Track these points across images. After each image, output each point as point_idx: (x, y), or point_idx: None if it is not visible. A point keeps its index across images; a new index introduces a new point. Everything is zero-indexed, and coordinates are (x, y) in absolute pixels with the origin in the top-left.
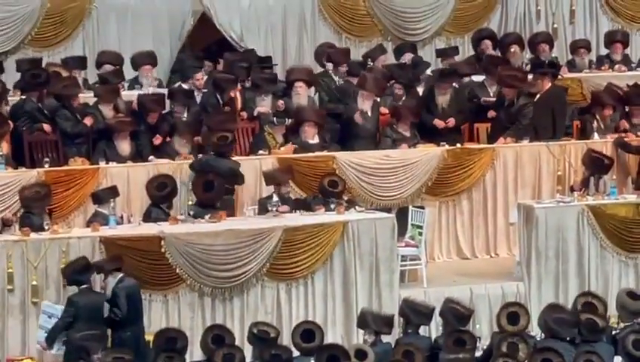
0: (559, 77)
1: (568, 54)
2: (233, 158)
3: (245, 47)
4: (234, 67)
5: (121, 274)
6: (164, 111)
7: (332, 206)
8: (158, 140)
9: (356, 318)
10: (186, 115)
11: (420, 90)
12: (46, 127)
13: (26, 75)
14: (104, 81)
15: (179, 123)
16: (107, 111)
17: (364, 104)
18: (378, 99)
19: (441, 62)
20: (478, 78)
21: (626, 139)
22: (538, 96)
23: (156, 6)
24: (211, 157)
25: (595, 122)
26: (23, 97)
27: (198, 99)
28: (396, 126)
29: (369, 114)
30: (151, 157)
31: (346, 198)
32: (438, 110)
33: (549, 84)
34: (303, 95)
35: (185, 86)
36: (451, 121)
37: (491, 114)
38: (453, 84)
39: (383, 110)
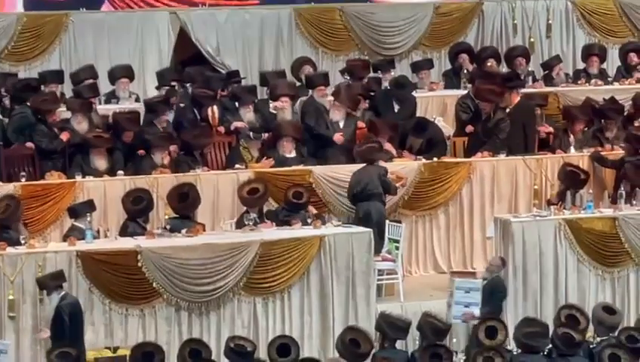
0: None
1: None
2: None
3: (222, 61)
4: (211, 81)
5: (64, 291)
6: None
7: (308, 220)
8: (142, 153)
9: (332, 332)
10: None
11: None
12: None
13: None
14: (78, 95)
15: (154, 138)
16: (78, 125)
17: (335, 115)
18: (355, 113)
19: (417, 77)
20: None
21: (602, 153)
22: (508, 110)
23: (133, 20)
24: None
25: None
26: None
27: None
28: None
29: (340, 125)
30: (120, 172)
31: (314, 213)
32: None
33: (518, 98)
34: (288, 110)
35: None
36: None
37: (469, 129)
38: None
39: (360, 124)
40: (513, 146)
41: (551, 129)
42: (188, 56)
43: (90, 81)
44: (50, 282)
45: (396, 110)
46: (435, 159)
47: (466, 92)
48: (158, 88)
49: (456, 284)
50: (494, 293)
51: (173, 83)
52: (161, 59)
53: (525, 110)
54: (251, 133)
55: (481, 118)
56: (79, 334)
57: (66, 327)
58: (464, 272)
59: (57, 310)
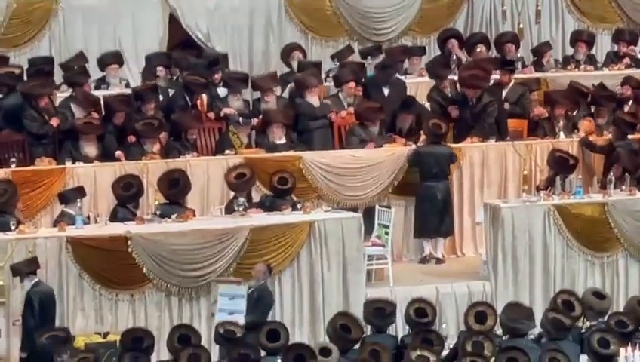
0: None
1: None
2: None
3: (212, 47)
4: (199, 67)
5: (37, 279)
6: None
7: (298, 205)
8: (132, 139)
9: (323, 318)
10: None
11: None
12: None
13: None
14: (71, 84)
15: (144, 128)
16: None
17: (312, 98)
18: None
19: (408, 62)
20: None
21: (590, 139)
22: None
23: (123, 6)
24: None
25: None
26: None
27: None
28: (367, 124)
29: (315, 105)
30: (118, 152)
31: (295, 199)
32: None
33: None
34: (272, 102)
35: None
36: None
37: (454, 113)
38: None
39: (346, 111)
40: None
41: (545, 112)
42: (178, 42)
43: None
44: (24, 268)
45: (386, 94)
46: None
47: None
48: (143, 74)
49: (220, 291)
50: (260, 301)
51: (159, 68)
52: (151, 45)
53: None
54: (240, 119)
55: (466, 103)
56: (48, 322)
57: (36, 314)
58: (228, 280)
59: (27, 296)
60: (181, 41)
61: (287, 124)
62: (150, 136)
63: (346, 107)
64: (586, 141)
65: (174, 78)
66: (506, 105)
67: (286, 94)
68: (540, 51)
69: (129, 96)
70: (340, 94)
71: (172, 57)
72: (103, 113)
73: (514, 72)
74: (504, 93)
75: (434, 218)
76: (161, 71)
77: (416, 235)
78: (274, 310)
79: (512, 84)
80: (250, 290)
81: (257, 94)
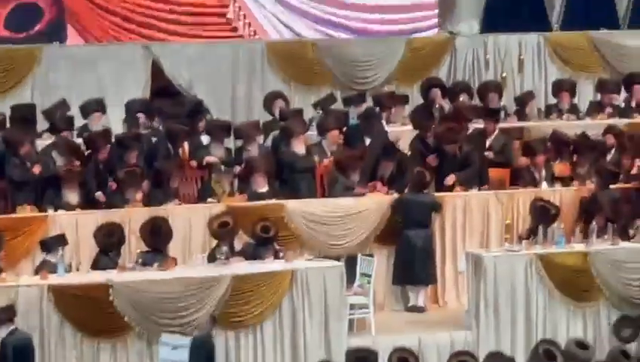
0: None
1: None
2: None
3: (194, 95)
4: (181, 115)
5: (14, 326)
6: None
7: (281, 254)
8: (113, 186)
9: None
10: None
11: None
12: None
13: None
14: (53, 129)
15: (126, 177)
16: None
17: (297, 147)
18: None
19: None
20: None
21: (575, 189)
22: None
23: (106, 54)
24: None
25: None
26: None
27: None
28: (347, 173)
29: (300, 153)
30: (98, 193)
31: (278, 247)
32: None
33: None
34: (255, 150)
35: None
36: None
37: (434, 163)
38: None
39: (329, 159)
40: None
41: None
42: (159, 89)
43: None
44: (0, 315)
45: (367, 143)
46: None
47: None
48: (127, 122)
49: (162, 340)
50: (202, 351)
51: (139, 115)
52: (134, 93)
53: (473, 142)
54: (223, 167)
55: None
56: None
57: None
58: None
59: (2, 344)
60: (163, 89)
61: (270, 173)
62: (132, 185)
63: (329, 155)
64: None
65: (157, 125)
66: (490, 155)
67: (269, 142)
68: (523, 100)
69: (109, 131)
70: (323, 142)
71: (154, 105)
72: (86, 153)
73: (499, 121)
74: (488, 142)
75: (415, 266)
76: (141, 118)
77: (394, 282)
78: (255, 358)
79: (496, 133)
80: (194, 340)
81: (240, 142)
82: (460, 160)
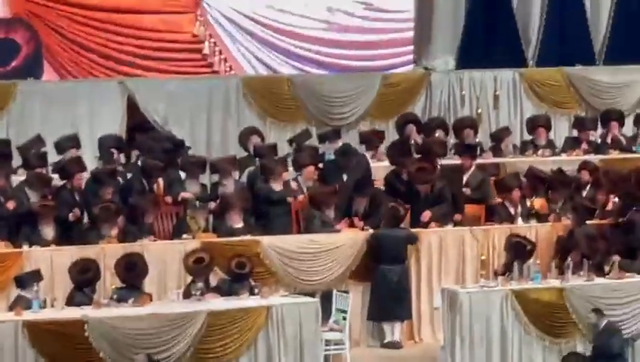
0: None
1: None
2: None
3: (169, 131)
4: (156, 151)
5: None
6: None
7: (256, 290)
8: (75, 217)
9: None
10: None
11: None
12: None
13: None
14: (28, 166)
15: (101, 213)
16: (35, 197)
17: (275, 184)
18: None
19: (365, 149)
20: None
21: (550, 225)
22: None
23: (81, 89)
24: None
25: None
26: None
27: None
28: (321, 210)
29: (277, 189)
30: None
31: (253, 283)
32: None
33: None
34: (230, 185)
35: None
36: None
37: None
38: None
39: (301, 197)
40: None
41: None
42: (135, 125)
43: (40, 150)
44: None
45: (345, 179)
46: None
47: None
48: (102, 157)
49: None
50: None
51: (112, 150)
52: (109, 128)
53: (448, 178)
54: (197, 203)
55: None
56: None
57: None
58: None
59: None
60: (139, 124)
61: (246, 209)
62: (107, 221)
63: (305, 191)
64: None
65: (132, 160)
66: (467, 191)
67: (244, 178)
68: (498, 136)
69: (80, 157)
70: (298, 178)
71: (133, 140)
72: (61, 183)
73: (475, 157)
74: (465, 178)
75: (390, 301)
76: (115, 154)
77: (369, 318)
78: None
79: (472, 169)
80: None
81: (216, 177)
82: (433, 197)
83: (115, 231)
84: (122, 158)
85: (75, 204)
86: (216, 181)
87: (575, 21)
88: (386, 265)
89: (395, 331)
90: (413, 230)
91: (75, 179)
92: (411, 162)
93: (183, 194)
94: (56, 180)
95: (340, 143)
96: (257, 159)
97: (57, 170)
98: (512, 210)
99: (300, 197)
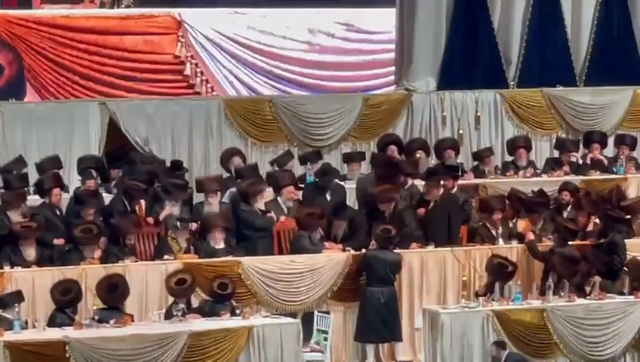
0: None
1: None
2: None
3: (150, 152)
4: (140, 174)
5: None
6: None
7: (237, 311)
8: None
9: None
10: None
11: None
12: None
13: None
14: (9, 187)
15: (83, 236)
16: (15, 216)
17: (259, 203)
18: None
19: (347, 168)
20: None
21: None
22: (432, 203)
23: (62, 110)
24: None
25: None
26: None
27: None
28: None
29: (259, 212)
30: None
31: (234, 304)
32: None
33: (442, 191)
34: (215, 204)
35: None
36: None
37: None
38: None
39: (282, 218)
40: (437, 237)
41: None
42: (117, 146)
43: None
44: None
45: (328, 199)
46: (364, 250)
47: None
48: (83, 178)
49: None
50: None
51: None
52: (91, 149)
53: (449, 202)
54: (178, 223)
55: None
56: None
57: None
58: None
59: None
60: (121, 146)
61: (228, 228)
62: (89, 243)
63: (285, 211)
64: (531, 246)
65: (113, 181)
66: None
67: (226, 199)
68: (481, 156)
69: (58, 174)
70: (278, 199)
71: (116, 160)
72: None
73: (458, 178)
74: None
75: (377, 323)
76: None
77: (357, 339)
78: None
79: (454, 190)
80: None
81: (198, 197)
82: (394, 217)
83: (97, 253)
84: (99, 180)
85: (56, 222)
86: (198, 201)
87: (556, 42)
88: (373, 287)
89: (379, 352)
90: (395, 251)
91: (52, 195)
92: (374, 187)
93: (164, 212)
94: (37, 200)
95: (319, 164)
96: (239, 181)
97: (35, 186)
98: (493, 232)
99: (282, 218)
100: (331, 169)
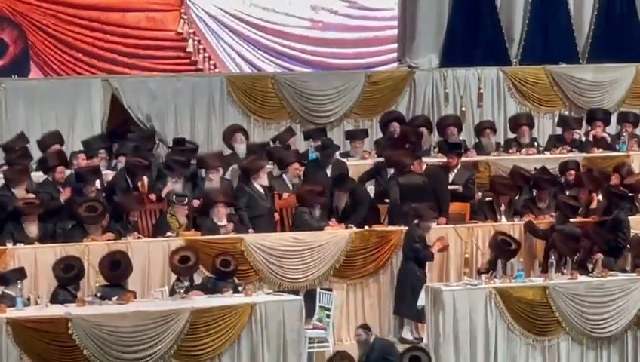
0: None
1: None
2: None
3: (152, 128)
4: (143, 151)
5: None
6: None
7: (240, 288)
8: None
9: None
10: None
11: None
12: None
13: None
14: (12, 164)
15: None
16: (19, 192)
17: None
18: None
19: (350, 145)
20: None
21: (535, 222)
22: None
23: (65, 87)
24: None
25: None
26: None
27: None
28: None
29: (261, 193)
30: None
31: (237, 281)
32: None
33: (424, 166)
34: (215, 180)
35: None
36: None
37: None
38: None
39: (286, 195)
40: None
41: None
42: (119, 122)
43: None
44: None
45: (329, 174)
46: (367, 227)
47: None
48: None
49: None
50: None
51: (100, 151)
52: (93, 126)
53: (433, 176)
54: (174, 197)
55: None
56: None
57: None
58: None
59: None
60: (124, 121)
61: (229, 203)
62: (93, 223)
63: (291, 188)
64: (530, 225)
65: (115, 159)
66: (459, 188)
67: (228, 175)
68: (480, 128)
69: (62, 151)
70: (284, 176)
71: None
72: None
73: (461, 155)
74: (451, 177)
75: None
76: (100, 152)
77: (395, 312)
78: None
79: (458, 167)
80: None
81: (200, 173)
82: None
83: (100, 232)
84: (106, 156)
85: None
86: (198, 178)
87: (559, 19)
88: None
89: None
90: (397, 228)
91: (56, 173)
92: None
93: (165, 189)
94: (40, 177)
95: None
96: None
97: (39, 164)
98: (496, 208)
99: (285, 195)
100: (331, 143)
